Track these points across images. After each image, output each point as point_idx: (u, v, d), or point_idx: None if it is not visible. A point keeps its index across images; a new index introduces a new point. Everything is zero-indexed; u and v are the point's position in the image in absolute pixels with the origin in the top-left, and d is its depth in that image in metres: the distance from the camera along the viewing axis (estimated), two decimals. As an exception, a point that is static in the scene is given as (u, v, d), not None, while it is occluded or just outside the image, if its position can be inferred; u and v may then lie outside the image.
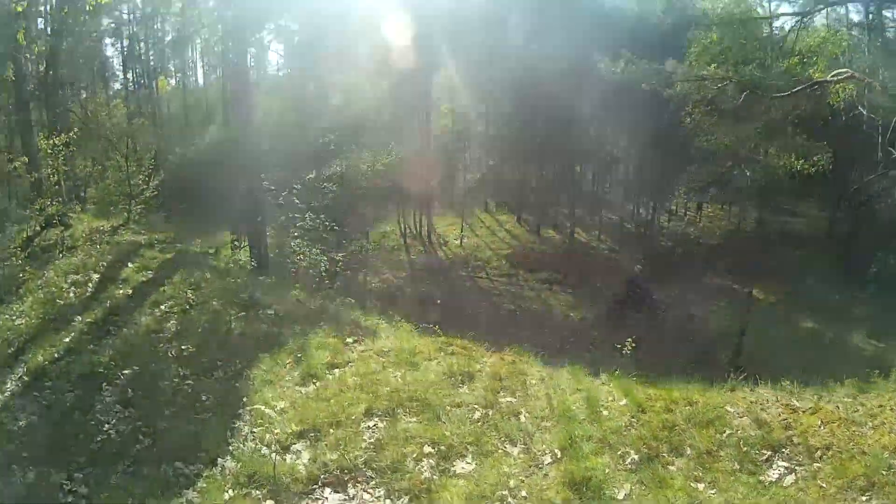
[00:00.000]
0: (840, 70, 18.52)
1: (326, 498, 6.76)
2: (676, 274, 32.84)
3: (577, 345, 25.65)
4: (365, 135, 29.94)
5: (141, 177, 20.07)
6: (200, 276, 13.06)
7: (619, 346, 12.87)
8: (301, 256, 18.45)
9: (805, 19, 27.25)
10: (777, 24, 31.93)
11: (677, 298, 31.32)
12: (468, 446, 7.41)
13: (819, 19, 31.51)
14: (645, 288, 30.97)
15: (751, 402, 8.24)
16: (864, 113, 20.47)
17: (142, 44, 41.58)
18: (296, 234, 19.19)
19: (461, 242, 37.11)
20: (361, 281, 28.71)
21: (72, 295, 11.70)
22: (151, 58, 41.97)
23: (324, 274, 18.96)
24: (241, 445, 7.55)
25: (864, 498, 6.38)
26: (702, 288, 32.02)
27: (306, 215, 19.70)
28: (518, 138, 38.47)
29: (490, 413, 8.08)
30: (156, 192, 20.08)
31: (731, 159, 28.80)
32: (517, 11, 36.69)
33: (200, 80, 48.75)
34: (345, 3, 34.25)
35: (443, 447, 7.36)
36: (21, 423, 7.87)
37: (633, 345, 12.97)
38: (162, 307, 11.35)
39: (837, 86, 19.68)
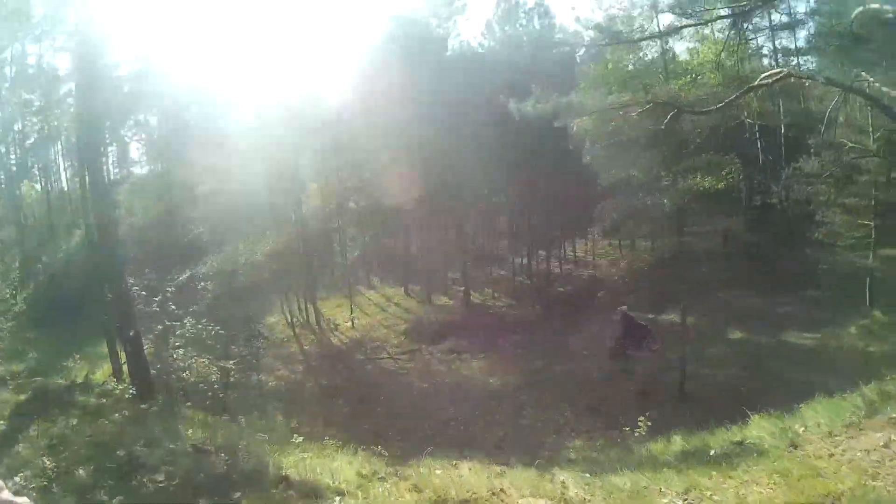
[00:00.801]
0: (777, 70, 17.38)
1: None
2: (582, 315, 32.57)
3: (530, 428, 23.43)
4: (238, 224, 28.15)
5: (7, 290, 17.45)
6: (65, 425, 10.40)
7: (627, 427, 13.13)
8: (187, 373, 15.80)
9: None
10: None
11: (594, 338, 30.29)
12: None
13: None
14: (641, 323, 29.20)
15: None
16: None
17: (2, 146, 38.01)
18: (177, 344, 16.41)
19: (353, 324, 34.84)
20: (256, 384, 26.03)
21: None
22: (13, 161, 38.35)
23: (216, 387, 17.42)
24: None
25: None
26: (614, 323, 30.20)
27: (185, 321, 17.52)
28: (395, 206, 36.38)
29: None
30: (24, 307, 18.43)
31: (641, 189, 27.53)
32: (383, 76, 35.41)
33: (65, 183, 46.17)
34: (204, 92, 33.95)
35: None
36: None
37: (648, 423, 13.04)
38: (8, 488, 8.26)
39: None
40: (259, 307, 30.35)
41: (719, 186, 26.14)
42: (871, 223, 29.52)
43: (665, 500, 7.16)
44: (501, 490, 7.99)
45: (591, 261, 40.86)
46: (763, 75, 16.89)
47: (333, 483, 8.70)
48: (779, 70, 17.38)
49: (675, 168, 25.90)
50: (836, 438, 8.36)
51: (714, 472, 8.15)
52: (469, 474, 9.16)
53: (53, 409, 11.22)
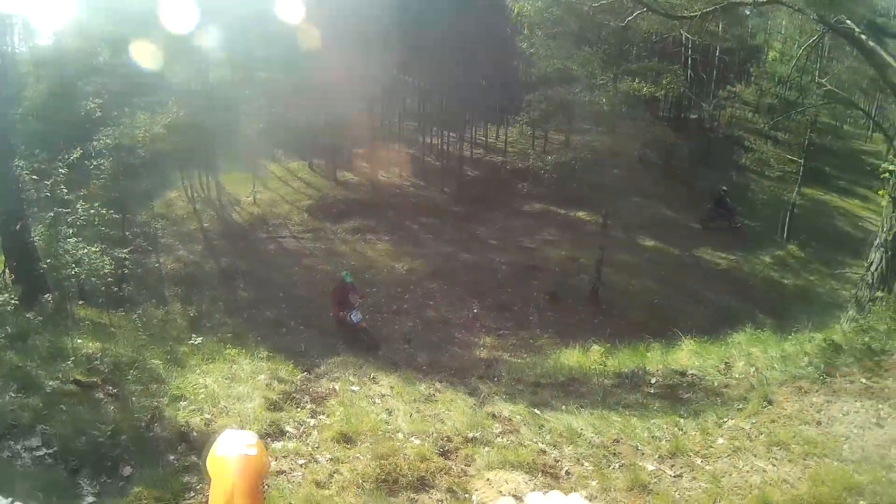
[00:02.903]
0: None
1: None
2: (494, 204, 32.34)
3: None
4: (138, 96, 25.93)
5: None
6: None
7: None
8: (77, 268, 14.36)
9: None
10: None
11: (504, 229, 30.52)
12: None
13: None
14: (732, 206, 30.53)
15: None
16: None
17: None
18: (70, 233, 14.88)
19: (254, 199, 33.42)
20: (155, 267, 24.82)
21: None
22: None
23: (110, 280, 16.28)
24: None
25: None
26: (523, 216, 31.68)
27: (77, 206, 15.81)
28: (304, 78, 34.68)
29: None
30: None
31: (577, 85, 27.11)
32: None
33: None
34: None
35: None
36: None
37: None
38: None
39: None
40: (158, 183, 29.09)
41: (658, 94, 26.77)
42: (801, 160, 30.20)
43: (651, 467, 6.76)
44: (456, 449, 7.28)
45: (503, 148, 39.91)
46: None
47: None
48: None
49: (618, 69, 25.54)
50: (813, 400, 8.19)
51: (689, 425, 7.89)
52: (399, 407, 8.71)
53: None
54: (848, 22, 15.33)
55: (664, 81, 26.08)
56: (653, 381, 10.57)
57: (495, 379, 11.77)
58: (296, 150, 38.63)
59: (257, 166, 35.88)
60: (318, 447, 7.13)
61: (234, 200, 33.55)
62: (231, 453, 1.81)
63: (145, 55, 25.44)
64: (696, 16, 17.52)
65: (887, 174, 13.17)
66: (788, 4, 16.44)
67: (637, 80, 25.35)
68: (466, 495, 6.44)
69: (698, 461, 6.78)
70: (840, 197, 36.33)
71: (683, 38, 29.68)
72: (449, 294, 24.70)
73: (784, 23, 32.81)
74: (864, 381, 8.52)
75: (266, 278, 25.17)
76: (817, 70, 28.68)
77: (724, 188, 30.70)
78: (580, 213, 31.16)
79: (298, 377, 10.32)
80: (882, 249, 12.61)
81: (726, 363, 10.76)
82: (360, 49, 31.86)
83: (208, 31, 31.43)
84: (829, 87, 26.37)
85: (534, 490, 1.43)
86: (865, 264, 13.65)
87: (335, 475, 6.32)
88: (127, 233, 21.20)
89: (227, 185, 34.61)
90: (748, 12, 33.55)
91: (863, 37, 15.16)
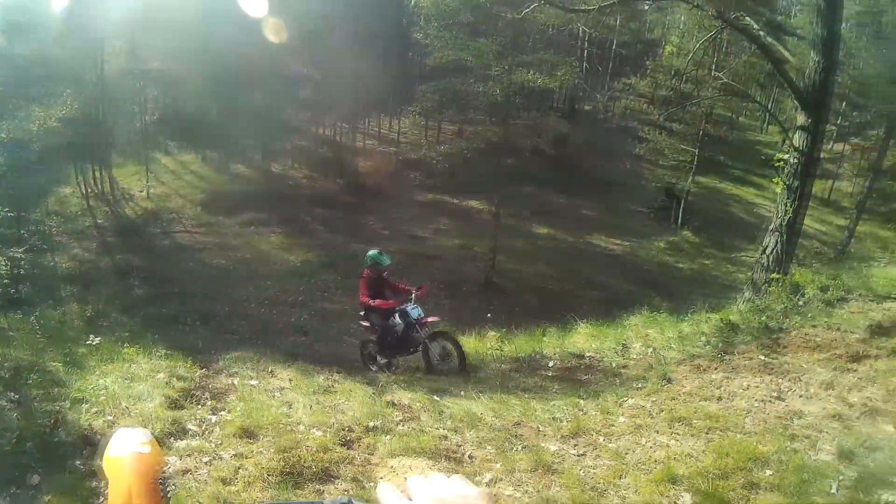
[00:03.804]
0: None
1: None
2: (386, 194, 32.34)
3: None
4: (31, 86, 24.82)
5: None
6: None
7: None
8: None
9: None
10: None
11: (396, 219, 30.58)
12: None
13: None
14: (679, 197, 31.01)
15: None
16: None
17: None
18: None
19: (148, 194, 32.70)
20: (50, 266, 24.08)
21: None
22: None
23: (6, 282, 16.44)
24: None
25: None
26: (415, 205, 31.90)
27: None
28: (198, 68, 33.99)
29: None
30: None
31: (471, 76, 27.31)
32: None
33: None
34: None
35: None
36: None
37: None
38: None
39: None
40: (52, 179, 28.13)
41: (552, 86, 27.23)
42: (695, 150, 31.24)
43: (554, 447, 6.59)
44: (357, 439, 7.14)
45: (395, 139, 40.06)
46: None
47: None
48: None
49: (512, 60, 25.66)
50: (712, 377, 8.27)
51: (590, 406, 7.77)
52: (298, 400, 8.31)
53: None
54: (747, 19, 15.80)
55: (559, 73, 26.39)
56: (551, 364, 10.54)
57: (393, 368, 11.62)
58: (189, 142, 37.59)
59: (150, 160, 35.14)
60: (220, 444, 6.89)
61: (128, 195, 32.76)
62: (125, 452, 1.70)
63: (38, 45, 24.73)
64: (593, 9, 17.69)
65: (781, 163, 13.53)
66: (687, 0, 16.66)
67: (532, 72, 25.64)
68: (371, 484, 6.31)
69: (601, 440, 6.69)
70: (734, 185, 37.50)
71: (581, 30, 30.10)
72: (343, 285, 24.28)
73: (683, 18, 33.54)
74: (762, 357, 8.69)
75: (161, 274, 24.70)
76: (714, 64, 29.39)
77: (673, 181, 31.65)
78: (473, 202, 31.45)
79: (197, 374, 10.02)
80: (777, 234, 13.04)
81: (623, 345, 10.78)
82: (254, 39, 31.41)
83: (104, 21, 30.80)
84: (726, 80, 26.98)
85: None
86: (760, 248, 13.98)
87: (240, 471, 6.11)
88: (22, 231, 20.57)
89: (121, 179, 33.80)
90: (647, 7, 34.24)
91: (761, 33, 15.54)
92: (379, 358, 11.85)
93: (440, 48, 26.69)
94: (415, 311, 11.41)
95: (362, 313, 12.16)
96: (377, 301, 11.56)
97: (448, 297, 23.73)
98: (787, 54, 16.23)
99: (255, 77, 34.13)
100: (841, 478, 5.37)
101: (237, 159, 36.63)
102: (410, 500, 1.26)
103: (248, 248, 28.21)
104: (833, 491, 5.21)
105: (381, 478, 6.21)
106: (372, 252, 11.99)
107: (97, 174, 32.91)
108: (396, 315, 11.47)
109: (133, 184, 33.47)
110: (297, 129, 39.26)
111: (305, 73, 37.86)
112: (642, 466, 5.94)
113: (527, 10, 19.42)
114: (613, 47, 38.53)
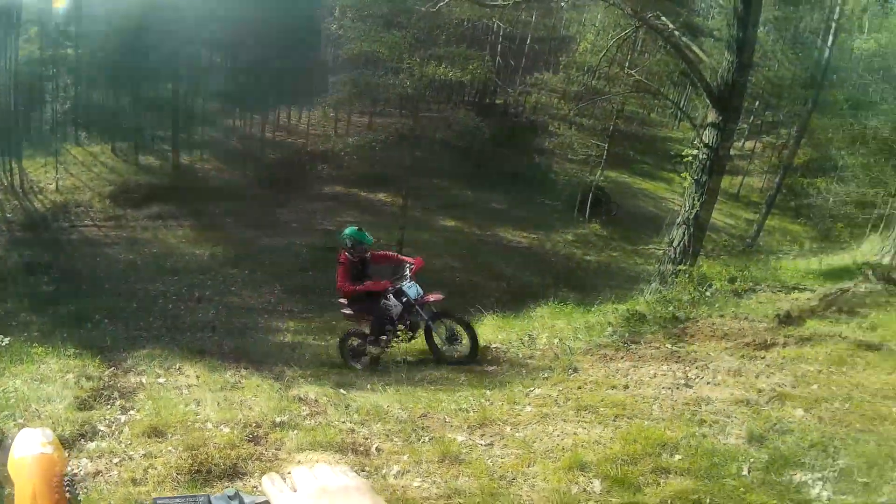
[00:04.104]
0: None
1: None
2: (295, 187, 32.17)
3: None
4: None
5: None
6: None
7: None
8: None
9: None
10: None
11: (306, 212, 30.59)
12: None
13: None
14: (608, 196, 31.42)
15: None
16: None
17: None
18: None
19: (57, 186, 31.77)
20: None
21: None
22: None
23: None
24: None
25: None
26: (324, 198, 31.84)
27: None
28: (109, 56, 33.81)
29: None
30: None
31: (383, 68, 27.71)
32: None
33: None
34: None
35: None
36: None
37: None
38: None
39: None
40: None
41: (464, 80, 27.38)
42: (605, 145, 31.83)
43: (461, 438, 6.56)
44: (265, 435, 7.04)
45: (305, 130, 39.47)
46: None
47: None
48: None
49: (425, 53, 25.86)
50: (619, 366, 8.37)
51: (496, 396, 7.78)
52: (206, 396, 8.19)
53: None
54: (663, 18, 16.29)
55: (471, 67, 26.61)
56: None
57: (300, 362, 11.58)
58: (99, 132, 36.86)
59: (61, 150, 34.29)
60: (130, 444, 6.73)
61: (38, 188, 31.96)
62: (28, 454, 1.66)
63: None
64: (507, 4, 17.80)
65: (690, 158, 14.16)
66: None
67: (443, 65, 25.86)
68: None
69: (508, 429, 6.67)
70: (644, 179, 38.25)
71: (496, 25, 30.25)
72: (251, 279, 24.58)
73: (599, 16, 33.93)
74: (669, 346, 8.85)
75: (70, 270, 24.34)
76: (627, 61, 29.86)
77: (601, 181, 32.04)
78: (382, 195, 31.46)
79: (106, 373, 9.85)
80: (685, 227, 13.48)
81: (530, 336, 10.83)
82: (166, 26, 31.02)
83: (20, 6, 30.26)
84: (638, 77, 27.36)
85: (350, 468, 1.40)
86: (668, 240, 14.46)
87: (150, 470, 5.97)
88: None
89: (31, 170, 33.01)
90: (563, 5, 34.60)
91: (676, 33, 16.20)
92: (371, 349, 10.59)
93: (353, 39, 26.57)
94: (412, 288, 10.34)
95: (343, 301, 10.97)
96: (367, 284, 10.43)
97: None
98: (701, 54, 16.78)
99: (166, 65, 33.87)
100: (752, 460, 5.44)
101: (146, 150, 35.81)
102: (295, 490, 1.31)
103: (156, 241, 27.84)
104: (745, 473, 5.28)
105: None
106: (350, 229, 10.73)
107: (6, 166, 32.19)
108: (391, 295, 10.34)
109: (42, 176, 32.67)
110: (207, 120, 38.83)
111: (217, 61, 37.46)
112: (550, 454, 5.91)
113: (442, 4, 19.51)
114: (528, 43, 38.74)
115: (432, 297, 10.38)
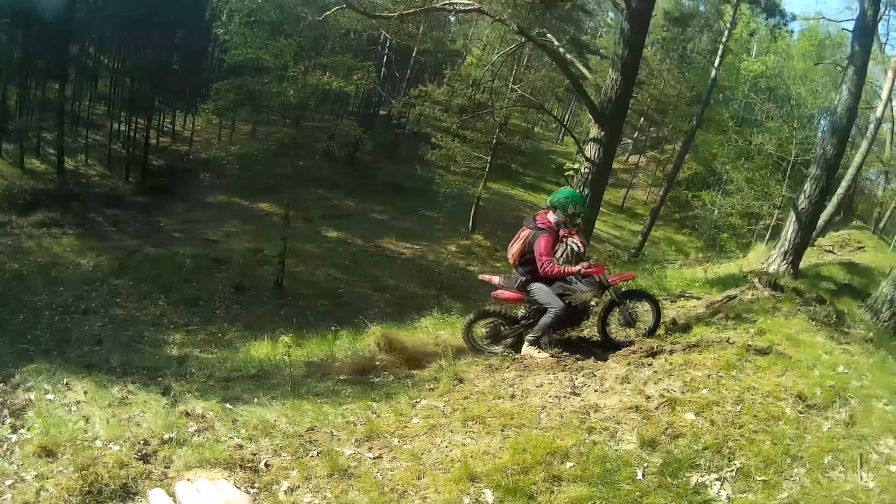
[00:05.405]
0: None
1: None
2: (178, 195, 32.38)
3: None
4: None
5: None
6: None
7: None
8: None
9: None
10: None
11: (188, 221, 30.44)
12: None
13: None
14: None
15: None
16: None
17: None
18: None
19: (-62, 194, 30.37)
20: None
21: None
22: None
23: None
24: None
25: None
26: (207, 207, 31.84)
27: None
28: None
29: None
30: None
31: (267, 75, 26.90)
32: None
33: None
34: None
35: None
36: None
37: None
38: None
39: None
40: None
41: (348, 90, 27.73)
42: (488, 158, 32.70)
43: (349, 451, 6.43)
44: (154, 452, 6.73)
45: (189, 137, 39.46)
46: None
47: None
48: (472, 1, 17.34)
49: (309, 62, 25.88)
50: (505, 376, 8.29)
51: (383, 408, 7.66)
52: (95, 413, 8.03)
53: None
54: (549, 35, 16.72)
55: (356, 77, 26.61)
56: (343, 367, 10.36)
57: (187, 376, 11.39)
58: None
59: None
60: (22, 464, 6.49)
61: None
62: None
63: None
64: (394, 16, 17.80)
65: (572, 172, 14.30)
66: (491, 14, 17.01)
67: (328, 74, 25.69)
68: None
69: (396, 441, 6.60)
70: (527, 191, 39.05)
71: (383, 36, 30.34)
72: (136, 290, 24.09)
73: (486, 31, 34.36)
74: (555, 355, 8.80)
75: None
76: (513, 76, 30.26)
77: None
78: (263, 205, 31.54)
79: (-5, 389, 9.55)
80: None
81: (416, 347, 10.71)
82: (52, 25, 30.32)
83: None
84: (522, 92, 27.69)
85: (234, 485, 1.51)
86: None
87: (42, 492, 5.71)
88: None
89: None
90: (452, 18, 34.92)
91: (561, 50, 16.59)
92: (531, 336, 8.96)
93: (240, 45, 26.04)
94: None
95: (489, 278, 9.70)
96: (584, 265, 8.91)
97: (239, 302, 23.82)
98: (585, 71, 16.98)
99: (51, 65, 33.24)
100: (646, 465, 5.48)
101: (33, 154, 34.65)
102: None
103: (41, 251, 26.97)
104: (640, 477, 5.31)
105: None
106: (570, 191, 9.67)
107: None
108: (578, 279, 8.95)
109: (-75, 180, 31.21)
110: (93, 124, 37.97)
111: (106, 63, 36.76)
112: (440, 466, 5.87)
113: (329, 13, 19.74)
114: (414, 55, 39.02)
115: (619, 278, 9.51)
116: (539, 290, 8.93)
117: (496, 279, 9.52)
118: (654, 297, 9.68)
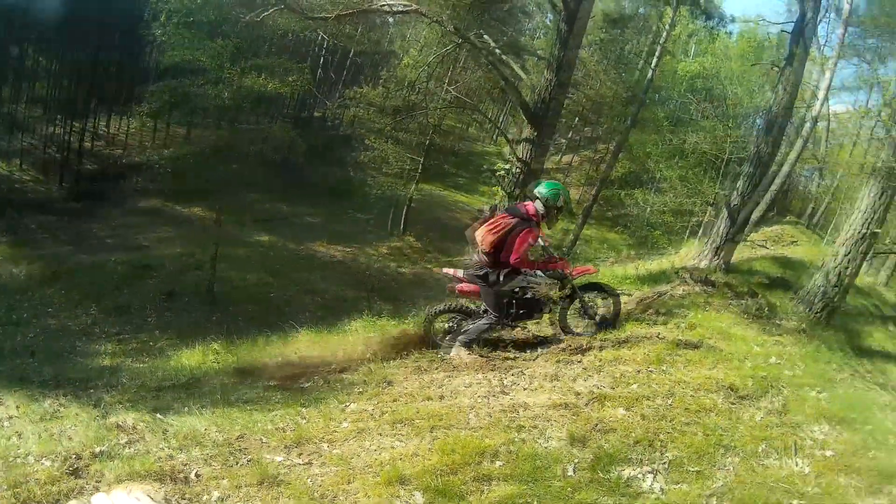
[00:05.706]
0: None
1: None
2: (110, 200, 31.71)
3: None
4: None
5: None
6: None
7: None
8: None
9: None
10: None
11: (120, 227, 29.87)
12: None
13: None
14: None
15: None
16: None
17: None
18: None
19: None
20: None
21: None
22: None
23: None
24: None
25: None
26: (139, 212, 31.20)
27: None
28: None
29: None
30: None
31: (201, 76, 26.33)
32: None
33: None
34: None
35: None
36: None
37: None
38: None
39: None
40: None
41: (283, 91, 27.46)
42: (420, 159, 32.48)
43: (279, 458, 6.38)
44: (86, 466, 6.54)
45: (123, 140, 38.11)
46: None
47: None
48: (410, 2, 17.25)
49: (245, 63, 25.60)
50: (434, 377, 8.38)
51: (312, 413, 7.64)
52: (27, 428, 7.83)
53: None
54: (485, 37, 16.91)
55: (291, 79, 26.60)
56: (272, 373, 10.29)
57: (118, 387, 11.05)
58: None
59: None
60: None
61: None
62: None
63: None
64: (330, 17, 17.71)
65: (503, 172, 14.89)
66: (427, 15, 17.17)
67: (263, 76, 25.65)
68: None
69: (325, 446, 6.56)
70: (459, 192, 39.14)
71: (320, 37, 30.17)
72: (68, 299, 23.58)
73: (424, 32, 34.41)
74: (484, 355, 8.88)
75: None
76: (447, 78, 30.24)
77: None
78: (195, 209, 30.95)
79: (-73, 405, 9.36)
80: None
81: (344, 350, 10.67)
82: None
83: None
84: (456, 93, 27.70)
85: (165, 497, 1.79)
86: None
87: None
88: None
89: None
90: (390, 20, 34.92)
91: (497, 51, 16.83)
92: (463, 337, 9.12)
93: (178, 46, 25.60)
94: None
95: (451, 271, 10.06)
96: (554, 259, 9.38)
97: (170, 310, 23.48)
98: (520, 72, 17.13)
99: None
100: (576, 461, 5.50)
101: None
102: None
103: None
104: (570, 473, 5.33)
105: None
106: (557, 185, 9.49)
107: None
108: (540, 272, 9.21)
109: None
110: (29, 126, 36.65)
111: (42, 63, 36.12)
112: (369, 469, 5.84)
113: (266, 14, 19.45)
114: (350, 56, 38.89)
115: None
116: (488, 293, 9.06)
117: (460, 272, 9.63)
118: (613, 290, 9.87)
